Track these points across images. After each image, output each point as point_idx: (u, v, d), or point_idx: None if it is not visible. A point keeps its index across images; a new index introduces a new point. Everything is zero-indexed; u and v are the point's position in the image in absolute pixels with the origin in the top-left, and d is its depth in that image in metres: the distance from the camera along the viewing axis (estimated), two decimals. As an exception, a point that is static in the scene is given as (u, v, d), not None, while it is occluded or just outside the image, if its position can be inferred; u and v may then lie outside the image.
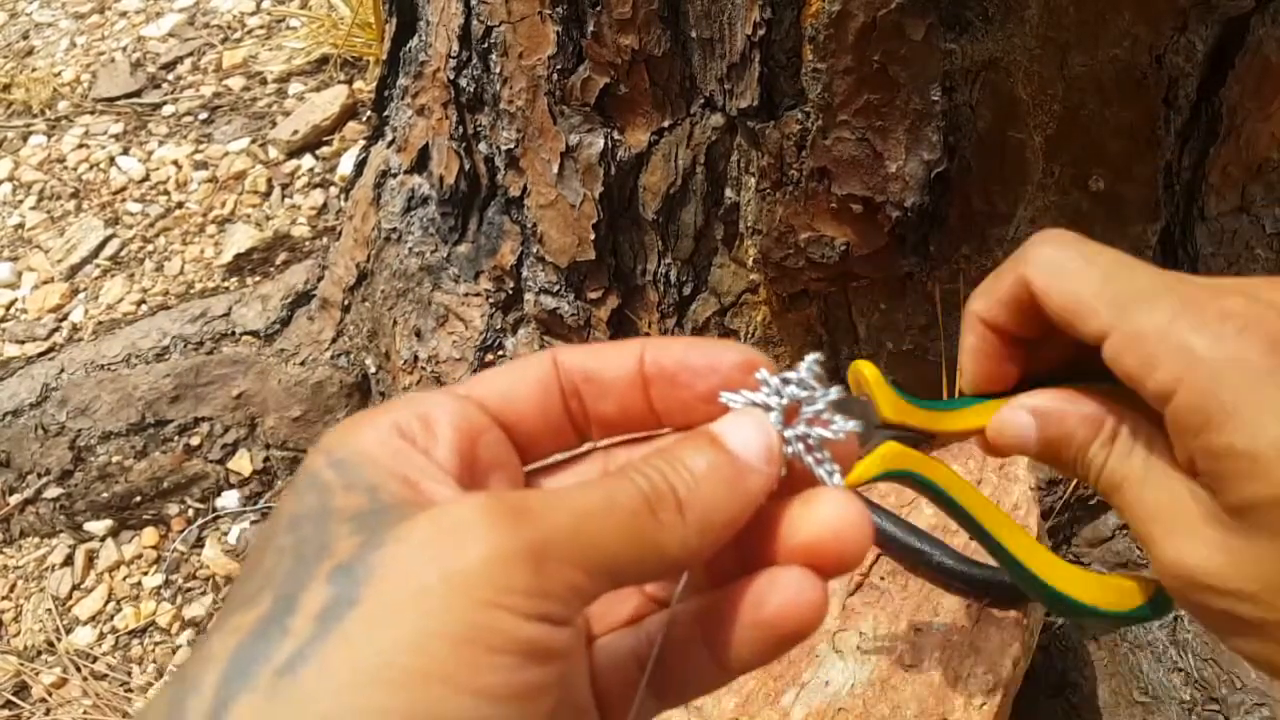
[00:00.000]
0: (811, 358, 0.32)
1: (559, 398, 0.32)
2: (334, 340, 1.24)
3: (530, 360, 0.32)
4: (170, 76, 1.72)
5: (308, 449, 0.29)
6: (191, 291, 1.40)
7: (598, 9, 0.82)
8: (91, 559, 1.20)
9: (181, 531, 1.20)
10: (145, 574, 1.19)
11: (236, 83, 1.69)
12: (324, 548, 0.24)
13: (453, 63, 0.96)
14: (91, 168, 1.60)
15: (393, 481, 0.26)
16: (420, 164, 1.09)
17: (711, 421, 0.31)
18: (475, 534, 0.23)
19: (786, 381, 0.31)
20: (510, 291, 1.05)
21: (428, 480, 0.27)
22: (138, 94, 1.69)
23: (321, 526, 0.25)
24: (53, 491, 1.22)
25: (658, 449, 0.29)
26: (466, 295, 1.08)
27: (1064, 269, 0.35)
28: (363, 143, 1.32)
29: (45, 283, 1.46)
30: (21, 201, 1.58)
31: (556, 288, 1.00)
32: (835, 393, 0.32)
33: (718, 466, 0.28)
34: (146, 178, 1.57)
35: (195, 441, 1.22)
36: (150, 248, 1.47)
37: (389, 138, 1.14)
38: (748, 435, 0.29)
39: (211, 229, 1.48)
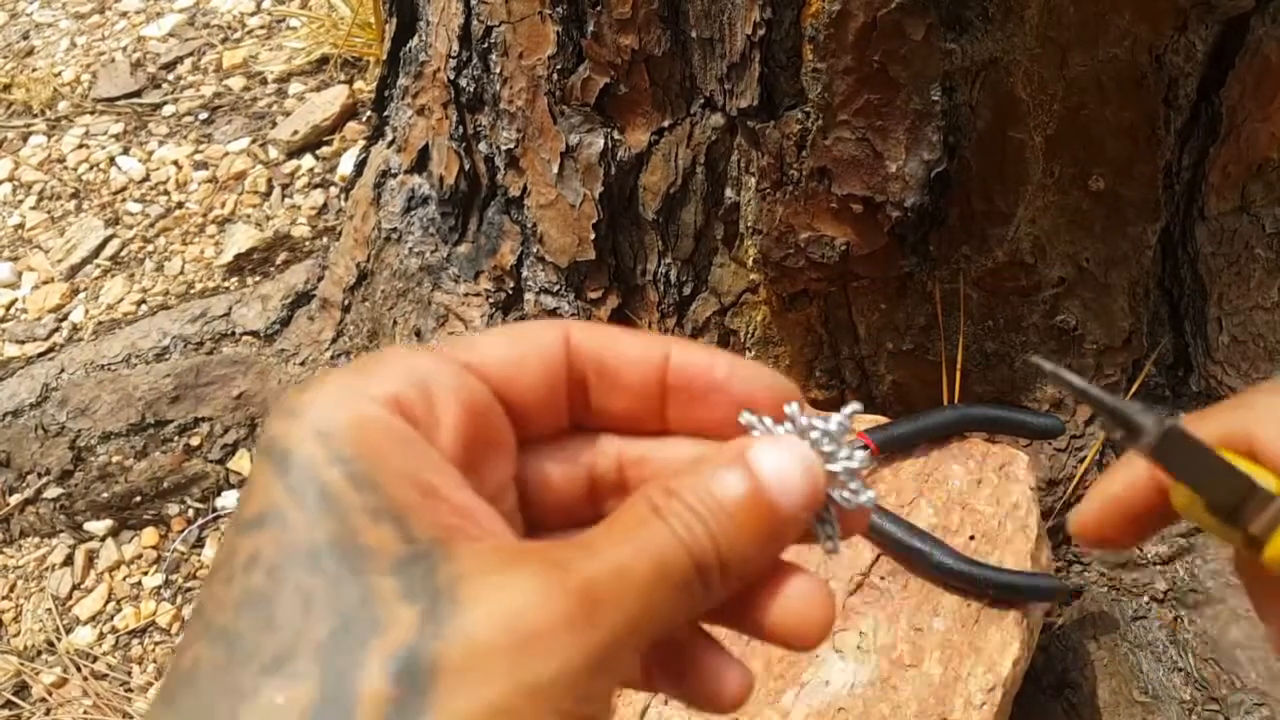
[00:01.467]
0: (849, 409, 0.28)
1: (564, 380, 0.29)
2: (334, 340, 1.24)
3: (538, 330, 0.29)
4: (170, 77, 1.72)
5: (273, 409, 0.25)
6: (192, 291, 1.40)
7: (598, 9, 0.81)
8: (91, 559, 1.20)
9: (181, 531, 1.20)
10: (145, 574, 1.19)
11: (237, 83, 1.69)
12: (371, 615, 0.22)
13: (453, 63, 0.96)
14: (92, 168, 1.60)
15: (415, 497, 0.24)
16: (420, 164, 1.09)
17: (727, 440, 0.28)
18: (553, 646, 0.22)
19: (813, 426, 0.28)
20: (510, 291, 1.05)
21: (443, 480, 0.25)
22: (138, 94, 1.69)
23: (357, 579, 0.23)
24: (53, 491, 1.22)
25: (687, 471, 0.26)
26: (466, 295, 1.08)
27: None
28: (363, 143, 1.32)
29: (45, 283, 1.46)
30: (22, 201, 1.58)
31: (556, 287, 1.00)
32: (861, 458, 0.27)
33: (756, 513, 0.26)
34: (147, 178, 1.57)
35: (195, 441, 1.22)
36: (150, 248, 1.47)
37: (389, 138, 1.14)
38: (789, 472, 0.26)
39: (211, 229, 1.48)
